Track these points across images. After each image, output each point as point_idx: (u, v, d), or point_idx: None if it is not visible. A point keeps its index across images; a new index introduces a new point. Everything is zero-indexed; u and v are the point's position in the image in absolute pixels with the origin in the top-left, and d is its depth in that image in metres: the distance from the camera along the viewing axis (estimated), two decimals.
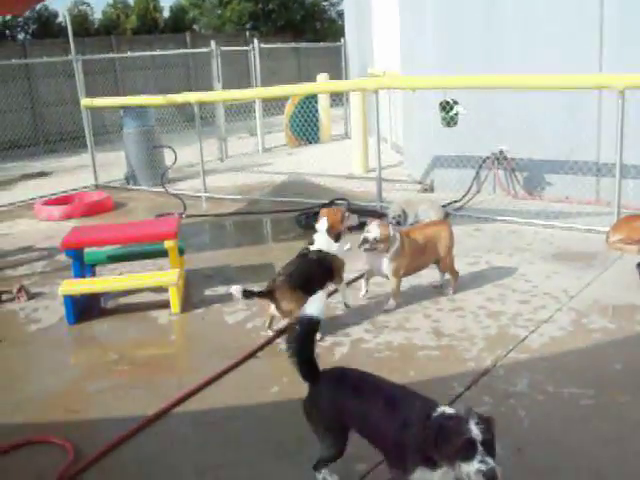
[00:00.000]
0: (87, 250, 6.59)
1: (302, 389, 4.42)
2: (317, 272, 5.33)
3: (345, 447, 3.29)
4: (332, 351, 5.01)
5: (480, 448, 2.68)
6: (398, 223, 8.09)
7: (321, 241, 5.47)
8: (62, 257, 7.43)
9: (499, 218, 8.29)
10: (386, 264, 5.59)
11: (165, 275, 6.10)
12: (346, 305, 5.71)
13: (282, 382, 4.57)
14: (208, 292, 6.38)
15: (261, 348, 5.08)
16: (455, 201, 9.07)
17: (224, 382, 4.65)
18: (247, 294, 5.04)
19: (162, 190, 10.75)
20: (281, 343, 5.16)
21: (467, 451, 2.69)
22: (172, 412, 4.30)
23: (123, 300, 6.34)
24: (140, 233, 6.53)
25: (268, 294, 5.15)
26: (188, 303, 6.10)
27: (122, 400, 4.52)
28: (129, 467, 3.81)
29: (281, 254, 7.35)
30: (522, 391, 4.29)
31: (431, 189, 9.94)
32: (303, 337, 3.33)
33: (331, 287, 5.74)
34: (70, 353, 5.50)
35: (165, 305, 5.95)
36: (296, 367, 3.38)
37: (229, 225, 9.24)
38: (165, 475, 3.71)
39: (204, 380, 4.60)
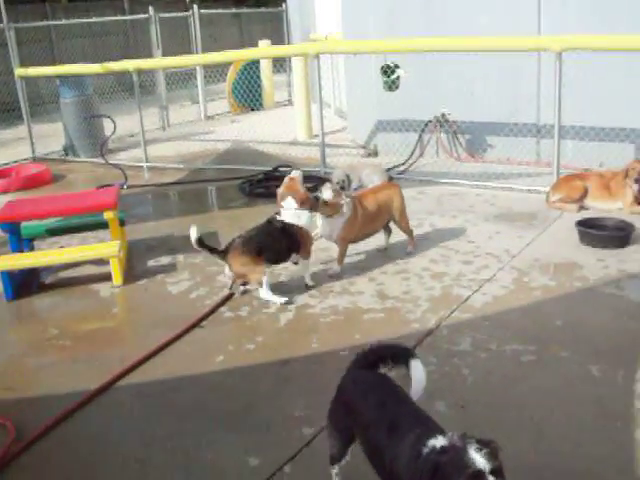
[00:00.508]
0: (24, 224, 6.41)
1: (247, 357, 4.44)
2: (280, 241, 5.27)
3: (345, 453, 2.98)
4: (277, 318, 5.00)
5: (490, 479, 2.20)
6: (342, 188, 8.06)
7: (288, 216, 5.38)
8: None
9: (442, 181, 8.35)
10: (338, 230, 5.55)
11: (106, 247, 5.97)
12: (307, 285, 5.48)
13: (227, 350, 4.55)
14: (151, 263, 6.29)
15: (205, 317, 5.04)
16: (398, 165, 9.10)
17: (168, 353, 4.60)
18: (201, 244, 5.16)
19: (102, 161, 10.51)
20: (225, 311, 5.14)
21: None
22: (116, 385, 4.24)
23: (63, 274, 6.20)
24: (79, 205, 6.38)
25: (221, 253, 5.22)
26: (130, 275, 6.00)
27: (64, 376, 4.43)
28: (74, 442, 3.74)
29: (226, 222, 7.32)
30: (465, 350, 4.35)
31: (375, 154, 9.95)
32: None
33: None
34: (8, 330, 5.36)
35: (107, 277, 5.84)
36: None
37: (172, 195, 9.10)
38: (111, 448, 3.66)
39: (148, 352, 4.54)
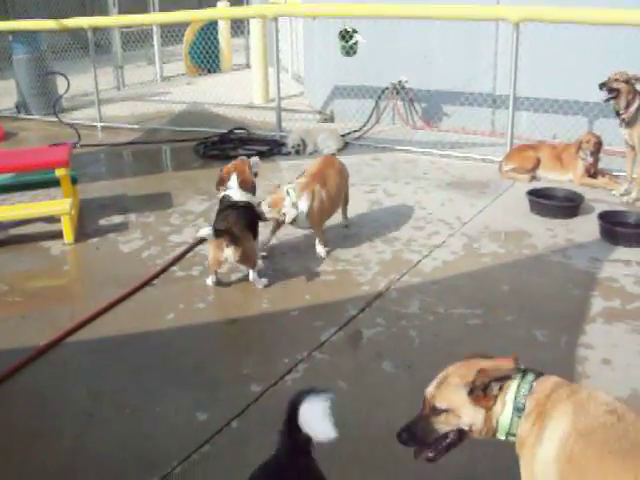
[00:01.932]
0: None
1: (197, 316, 4.46)
2: (253, 220, 4.99)
3: None
4: (229, 278, 5.02)
5: None
6: (297, 152, 8.10)
7: (237, 196, 5.01)
8: None
9: (397, 148, 8.40)
10: (305, 223, 5.29)
11: (57, 204, 5.90)
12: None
13: (178, 309, 4.56)
14: (103, 222, 6.23)
15: (157, 276, 5.03)
16: (354, 131, 9.11)
17: (119, 310, 4.59)
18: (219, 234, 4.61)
19: (55, 119, 10.29)
20: (177, 270, 5.14)
21: None
22: (65, 341, 4.23)
23: (14, 231, 6.10)
24: (30, 161, 6.27)
25: (228, 237, 4.61)
26: (82, 233, 5.94)
27: (13, 332, 4.40)
28: (23, 396, 3.74)
29: (180, 183, 7.27)
30: (414, 312, 4.44)
31: (331, 119, 9.94)
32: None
33: None
34: None
35: (58, 235, 5.77)
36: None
37: (126, 155, 8.98)
38: (60, 401, 3.67)
39: (98, 309, 4.53)
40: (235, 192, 5.02)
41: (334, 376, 3.78)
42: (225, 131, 9.12)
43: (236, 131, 9.12)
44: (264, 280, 4.86)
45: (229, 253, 4.61)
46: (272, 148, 8.39)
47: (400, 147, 8.40)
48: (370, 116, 9.39)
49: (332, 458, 3.15)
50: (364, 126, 9.26)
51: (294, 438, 2.31)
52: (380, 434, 3.28)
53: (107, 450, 3.27)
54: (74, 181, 6.42)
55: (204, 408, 3.51)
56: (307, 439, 2.31)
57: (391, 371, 3.81)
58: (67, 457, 3.24)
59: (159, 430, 3.39)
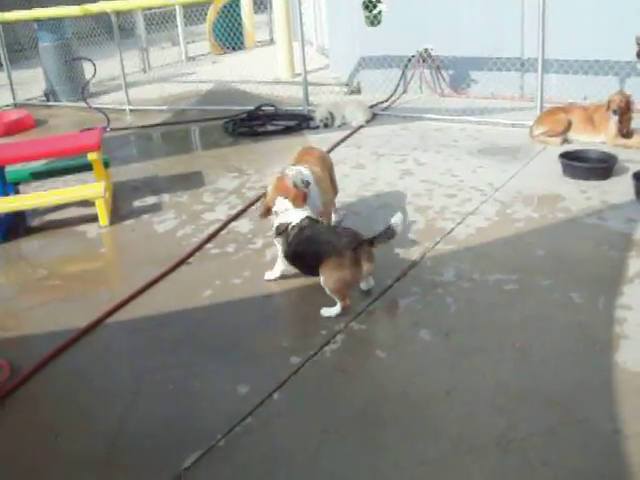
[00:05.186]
0: (9, 169, 6.38)
1: (234, 291, 4.50)
2: None
3: None
4: (263, 253, 5.06)
5: None
6: (325, 125, 8.08)
7: (298, 215, 4.38)
8: None
9: (426, 116, 8.34)
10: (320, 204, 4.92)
11: (91, 188, 5.97)
12: None
13: (214, 285, 4.61)
14: (137, 203, 6.30)
15: (192, 254, 5.08)
16: (382, 101, 9.06)
17: (156, 290, 4.65)
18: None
19: (84, 105, 10.41)
20: (212, 248, 5.18)
21: None
22: (105, 322, 4.30)
23: (49, 217, 6.20)
24: (62, 147, 6.34)
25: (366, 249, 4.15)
26: (116, 215, 6.01)
27: (54, 315, 4.48)
28: (66, 377, 3.82)
29: (211, 161, 7.32)
30: (449, 280, 4.43)
31: (358, 91, 9.89)
32: None
33: None
34: None
35: (93, 219, 5.86)
36: None
37: (155, 136, 9.04)
38: (104, 381, 3.74)
39: (136, 289, 4.60)
40: (294, 213, 4.37)
41: (372, 346, 3.81)
42: (252, 108, 9.13)
43: (263, 107, 9.12)
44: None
45: (368, 268, 4.16)
46: (300, 123, 8.38)
47: (429, 116, 8.34)
48: (397, 86, 9.32)
49: (373, 424, 3.19)
50: (391, 96, 9.21)
51: None
52: (419, 401, 3.31)
53: (151, 426, 3.33)
54: (106, 164, 6.50)
55: (245, 381, 3.55)
56: None
57: (428, 339, 3.82)
58: (113, 434, 3.31)
59: (202, 405, 3.44)
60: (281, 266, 4.52)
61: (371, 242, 4.14)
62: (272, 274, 4.59)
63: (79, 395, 3.66)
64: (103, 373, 3.81)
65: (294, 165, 4.83)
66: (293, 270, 4.47)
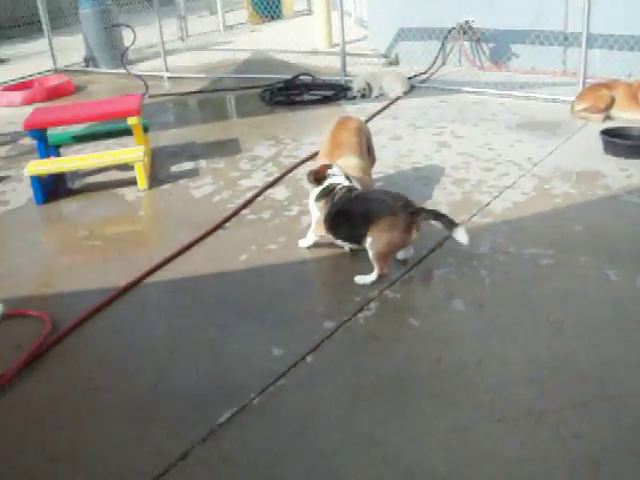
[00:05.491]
0: (51, 132, 6.48)
1: (269, 257, 4.55)
2: None
3: None
4: (299, 220, 5.09)
5: None
6: (363, 96, 8.06)
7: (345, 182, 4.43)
8: (26, 141, 7.34)
9: (464, 89, 8.26)
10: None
11: (130, 152, 6.03)
12: None
13: (250, 250, 4.66)
14: (174, 168, 6.37)
15: (228, 219, 5.14)
16: (420, 73, 8.99)
17: (193, 253, 4.72)
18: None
19: (123, 71, 10.49)
20: (248, 214, 5.23)
21: None
22: (144, 282, 4.38)
23: (89, 180, 6.30)
24: (103, 111, 6.42)
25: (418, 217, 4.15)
26: (155, 180, 6.09)
27: (94, 273, 4.58)
28: (105, 334, 3.91)
29: (247, 129, 7.35)
30: (484, 253, 4.42)
31: (396, 62, 9.82)
32: None
33: None
34: (40, 232, 5.50)
35: (132, 182, 5.94)
36: None
37: (193, 104, 9.09)
38: (140, 338, 3.83)
39: (174, 251, 4.67)
40: (343, 179, 4.41)
41: (406, 314, 3.83)
42: (290, 77, 9.12)
43: (301, 77, 9.10)
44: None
45: (416, 236, 4.15)
46: (337, 93, 8.36)
47: (467, 89, 8.26)
48: (436, 58, 9.24)
49: (405, 390, 3.23)
50: (430, 68, 9.13)
51: None
52: (451, 369, 3.34)
53: (188, 383, 3.41)
54: (145, 129, 6.56)
55: (279, 344, 3.61)
56: None
57: (462, 309, 3.83)
58: (150, 389, 3.39)
59: (237, 365, 3.50)
60: (314, 234, 4.54)
61: (427, 211, 4.16)
62: (305, 241, 4.63)
63: (118, 351, 3.75)
64: (141, 331, 3.90)
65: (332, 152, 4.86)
66: (326, 240, 4.49)
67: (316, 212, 4.45)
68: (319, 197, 4.40)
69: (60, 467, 2.95)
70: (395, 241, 4.06)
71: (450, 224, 4.07)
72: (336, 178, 4.39)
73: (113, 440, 3.09)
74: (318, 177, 4.44)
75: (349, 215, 4.22)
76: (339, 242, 4.44)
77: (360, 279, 4.15)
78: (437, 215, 4.14)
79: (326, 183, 4.38)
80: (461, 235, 4.04)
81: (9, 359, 3.66)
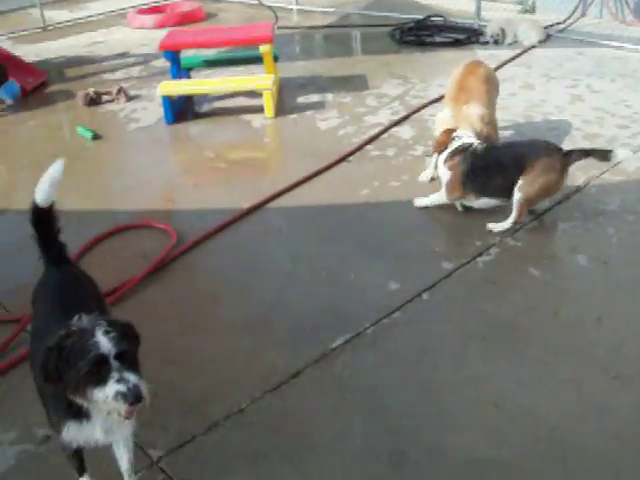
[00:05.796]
0: (183, 55, 6.63)
1: (391, 193, 4.56)
2: None
3: None
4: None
5: (115, 364, 1.97)
6: (496, 42, 7.81)
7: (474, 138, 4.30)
8: (158, 63, 7.54)
9: (604, 43, 7.85)
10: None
11: (261, 79, 6.10)
12: None
13: (372, 185, 4.68)
14: (301, 100, 6.41)
15: (353, 153, 5.16)
16: (558, 23, 8.61)
17: (316, 182, 4.79)
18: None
19: (254, 1, 10.53)
20: (372, 150, 5.24)
21: (98, 372, 1.97)
22: (266, 206, 4.50)
23: (217, 104, 6.43)
24: (235, 37, 6.52)
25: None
26: (281, 109, 6.15)
27: (218, 194, 4.73)
28: (227, 251, 4.07)
29: (374, 66, 7.28)
30: (613, 210, 4.27)
31: (532, 10, 9.41)
32: None
33: None
34: (168, 150, 5.71)
35: (259, 110, 6.03)
36: None
37: (320, 38, 9.05)
38: (260, 259, 3.96)
39: (297, 179, 4.75)
40: (473, 138, 4.27)
41: (526, 262, 3.77)
42: (421, 17, 8.93)
43: (432, 18, 8.90)
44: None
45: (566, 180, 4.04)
46: (469, 37, 8.14)
47: (607, 42, 7.84)
48: (575, 8, 8.78)
49: (520, 337, 3.20)
50: (568, 18, 8.72)
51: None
52: (569, 322, 3.30)
53: (304, 306, 3.52)
54: (275, 59, 6.61)
55: (396, 278, 3.65)
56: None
57: (585, 265, 3.74)
58: (267, 308, 3.52)
59: (353, 294, 3.57)
60: (447, 197, 4.23)
61: (579, 151, 4.05)
62: (422, 201, 4.36)
63: (238, 269, 3.89)
64: (262, 252, 4.03)
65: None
66: (446, 205, 4.31)
67: (447, 174, 4.20)
68: (450, 157, 4.18)
69: (177, 370, 3.12)
70: (551, 184, 3.94)
71: (605, 153, 3.96)
72: (465, 139, 4.23)
73: (229, 352, 3.25)
74: (443, 145, 4.26)
75: (498, 164, 4.03)
76: (473, 203, 4.19)
77: (494, 226, 4.05)
78: (588, 152, 4.03)
79: (455, 145, 4.21)
80: (622, 153, 3.98)
81: (136, 267, 3.87)
